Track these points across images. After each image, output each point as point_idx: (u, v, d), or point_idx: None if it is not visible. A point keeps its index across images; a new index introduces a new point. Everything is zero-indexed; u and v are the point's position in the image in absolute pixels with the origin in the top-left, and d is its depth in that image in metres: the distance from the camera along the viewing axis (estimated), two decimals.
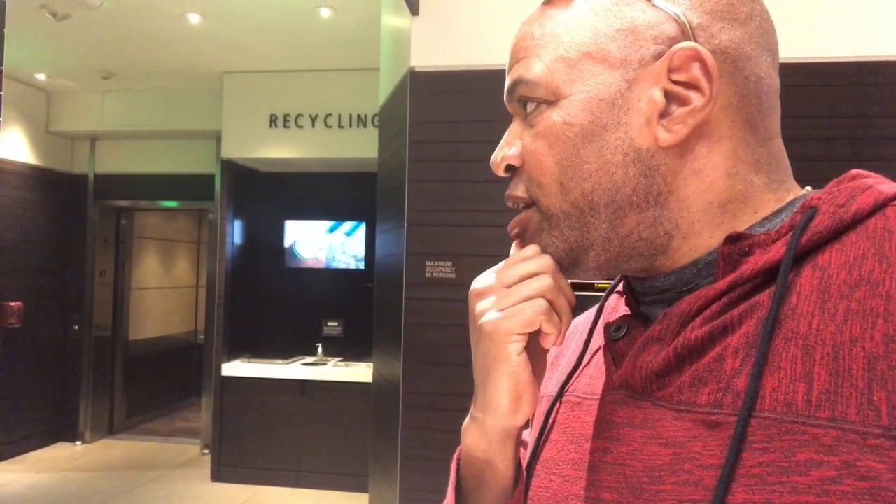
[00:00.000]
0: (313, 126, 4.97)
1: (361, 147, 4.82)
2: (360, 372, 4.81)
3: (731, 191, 0.47)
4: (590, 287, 2.20)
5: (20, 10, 3.77)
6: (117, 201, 6.04)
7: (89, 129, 5.70)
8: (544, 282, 0.50)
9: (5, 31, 2.05)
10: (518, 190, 0.52)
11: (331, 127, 4.95)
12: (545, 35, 0.50)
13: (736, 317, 0.42)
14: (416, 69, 2.76)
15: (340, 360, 5.17)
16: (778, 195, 0.48)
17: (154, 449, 5.85)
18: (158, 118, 5.53)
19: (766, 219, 0.47)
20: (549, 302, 0.50)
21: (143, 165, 5.88)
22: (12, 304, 5.05)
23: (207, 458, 5.20)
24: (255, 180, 5.52)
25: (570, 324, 0.52)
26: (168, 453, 5.72)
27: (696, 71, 0.45)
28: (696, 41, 0.46)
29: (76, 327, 5.87)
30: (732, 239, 0.45)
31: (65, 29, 4.17)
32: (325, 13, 3.92)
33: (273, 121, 5.00)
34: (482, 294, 0.52)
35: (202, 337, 5.93)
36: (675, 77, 0.46)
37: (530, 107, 0.50)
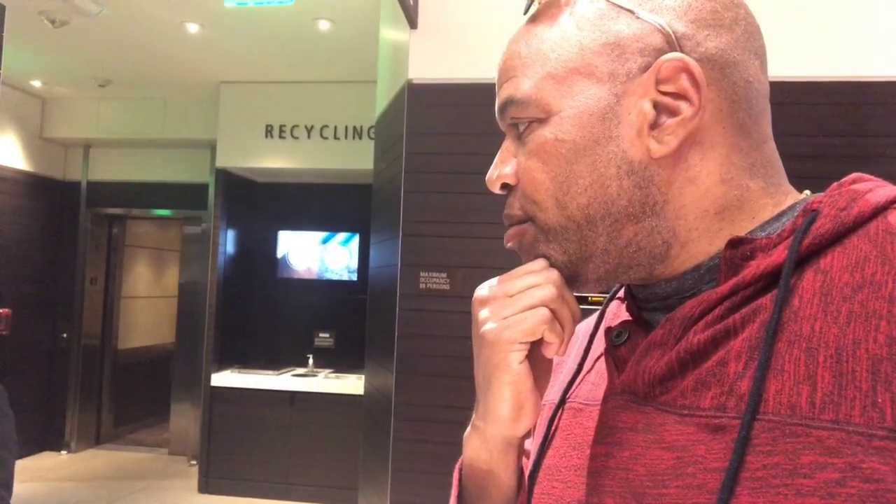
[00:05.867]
0: (309, 137, 4.98)
1: (356, 159, 4.83)
2: (351, 384, 4.78)
3: (726, 197, 0.47)
4: (583, 300, 2.20)
5: (18, 16, 3.77)
6: (110, 209, 6.01)
7: (83, 136, 5.69)
8: (547, 291, 0.50)
9: (3, 35, 2.04)
10: (514, 209, 0.52)
11: (326, 138, 4.96)
12: (532, 53, 0.50)
13: (738, 320, 0.42)
14: (414, 81, 2.78)
15: (331, 372, 5.14)
16: (775, 199, 0.48)
17: (141, 459, 5.78)
18: (154, 127, 5.52)
19: (766, 223, 0.47)
20: (552, 311, 0.50)
21: (136, 174, 5.86)
22: (0, 310, 5.00)
23: (195, 470, 5.15)
24: (249, 190, 5.52)
25: (573, 334, 0.52)
26: (155, 464, 5.66)
27: (683, 81, 0.45)
28: (682, 51, 0.46)
29: (65, 335, 5.82)
30: (734, 243, 0.45)
31: (62, 36, 4.17)
32: (324, 25, 3.94)
33: (269, 131, 5.00)
34: (485, 302, 0.52)
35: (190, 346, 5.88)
36: (664, 88, 0.46)
37: (522, 125, 0.50)
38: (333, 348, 5.38)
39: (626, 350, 0.51)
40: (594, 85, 0.48)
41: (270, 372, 5.06)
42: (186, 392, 5.81)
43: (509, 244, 0.54)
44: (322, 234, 5.55)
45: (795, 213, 0.46)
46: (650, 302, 0.52)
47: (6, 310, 5.01)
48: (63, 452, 5.78)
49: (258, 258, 5.60)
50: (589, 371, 0.57)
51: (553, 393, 0.60)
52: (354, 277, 5.46)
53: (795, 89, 2.53)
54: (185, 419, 5.80)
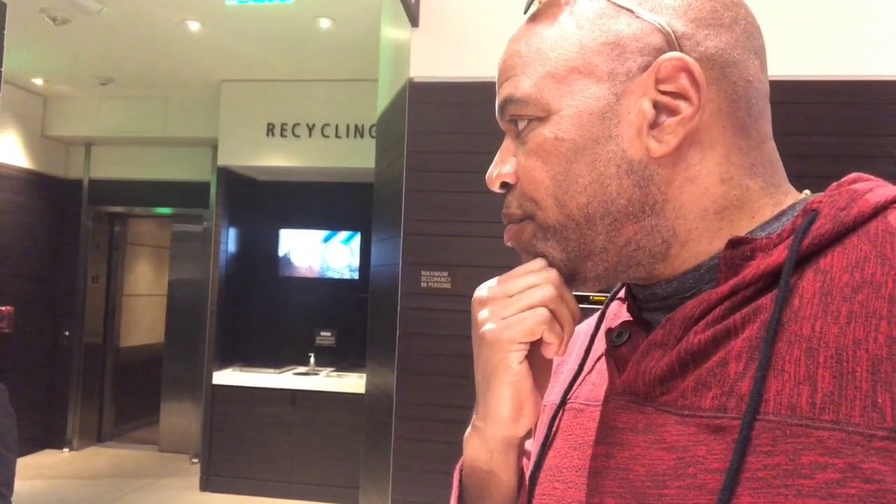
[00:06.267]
0: (310, 135, 4.98)
1: (357, 157, 4.83)
2: (352, 382, 4.79)
3: (726, 197, 0.47)
4: (584, 300, 2.20)
5: (20, 14, 3.77)
6: (111, 207, 6.02)
7: (85, 134, 5.69)
8: (546, 291, 0.50)
9: (4, 33, 2.05)
10: (512, 207, 0.52)
11: (328, 137, 4.96)
12: (532, 52, 0.50)
13: (739, 320, 0.42)
14: (415, 80, 2.77)
15: (332, 371, 5.15)
16: (775, 199, 0.48)
17: (142, 457, 5.79)
18: (155, 125, 5.53)
19: (766, 223, 0.47)
20: (552, 312, 0.50)
21: (138, 172, 5.87)
22: (3, 308, 5.02)
23: (196, 468, 5.16)
24: (250, 189, 5.52)
25: (572, 334, 0.52)
26: (156, 462, 5.67)
27: (683, 81, 0.45)
28: (681, 50, 0.46)
29: (67, 333, 5.83)
30: (734, 243, 0.45)
31: (64, 34, 4.17)
32: (325, 24, 3.94)
33: (270, 130, 5.01)
34: (485, 303, 0.52)
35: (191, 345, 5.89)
36: (663, 87, 0.46)
37: (521, 124, 0.50)
38: (335, 347, 5.39)
39: (626, 350, 0.50)
40: (594, 84, 0.48)
41: (272, 370, 5.07)
42: (176, 390, 5.86)
43: (509, 242, 0.54)
44: (323, 233, 5.55)
45: (795, 213, 0.46)
46: (651, 302, 0.52)
47: (8, 307, 5.02)
48: (65, 450, 5.79)
49: (259, 257, 5.60)
50: (590, 372, 0.57)
51: (554, 394, 0.60)
52: (356, 276, 5.47)
53: (795, 89, 2.53)
54: (174, 417, 5.86)
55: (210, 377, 4.98)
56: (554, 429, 0.56)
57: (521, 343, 0.49)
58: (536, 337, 0.50)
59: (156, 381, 6.85)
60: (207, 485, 4.92)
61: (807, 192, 0.50)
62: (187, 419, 5.74)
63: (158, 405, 6.59)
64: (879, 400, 0.35)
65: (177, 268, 6.13)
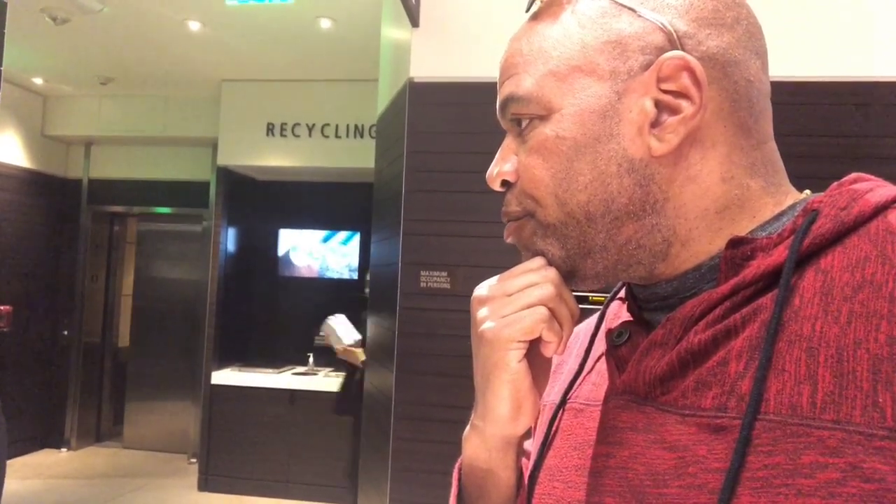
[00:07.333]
0: (310, 135, 4.98)
1: (357, 157, 4.83)
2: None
3: (727, 196, 0.47)
4: (584, 300, 2.20)
5: (20, 13, 3.77)
6: (111, 207, 6.02)
7: (85, 133, 5.69)
8: (545, 290, 0.50)
9: (4, 32, 2.04)
10: (511, 205, 0.52)
11: (328, 137, 4.96)
12: (533, 51, 0.50)
13: (739, 320, 0.42)
14: (415, 80, 2.77)
15: (331, 371, 5.14)
16: (776, 199, 0.48)
17: (140, 457, 5.79)
18: (155, 124, 5.53)
19: (766, 223, 0.47)
20: (551, 311, 0.50)
21: (137, 171, 5.87)
22: (1, 307, 5.01)
23: (195, 467, 5.15)
24: (250, 188, 5.52)
25: (571, 332, 0.52)
26: (155, 462, 5.66)
27: (685, 80, 0.46)
28: (683, 49, 0.46)
29: (65, 332, 5.82)
30: (735, 243, 0.45)
31: (64, 33, 4.17)
32: (326, 24, 3.94)
33: (270, 129, 5.01)
34: (484, 301, 0.52)
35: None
36: (665, 87, 0.46)
37: (523, 122, 0.51)
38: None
39: (626, 350, 0.50)
40: (595, 83, 0.48)
41: (271, 370, 5.07)
42: (142, 391, 5.92)
43: (509, 239, 0.55)
44: (323, 233, 5.56)
45: (796, 213, 0.46)
46: (651, 302, 0.51)
47: (7, 306, 5.02)
48: (63, 450, 5.79)
49: (259, 256, 5.60)
50: (590, 371, 0.57)
51: (554, 394, 0.60)
52: (355, 276, 5.47)
53: (796, 89, 2.53)
54: (141, 418, 5.92)
55: (209, 377, 4.97)
56: (554, 428, 0.56)
57: (519, 342, 0.49)
58: (535, 335, 0.49)
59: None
60: (206, 485, 4.92)
61: (807, 192, 0.50)
62: (164, 419, 5.77)
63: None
64: (880, 399, 0.35)
65: (144, 266, 6.09)
